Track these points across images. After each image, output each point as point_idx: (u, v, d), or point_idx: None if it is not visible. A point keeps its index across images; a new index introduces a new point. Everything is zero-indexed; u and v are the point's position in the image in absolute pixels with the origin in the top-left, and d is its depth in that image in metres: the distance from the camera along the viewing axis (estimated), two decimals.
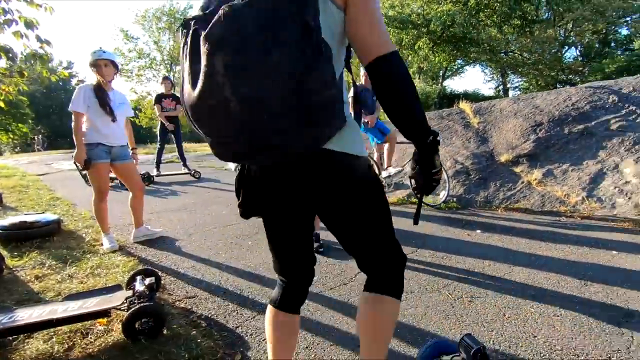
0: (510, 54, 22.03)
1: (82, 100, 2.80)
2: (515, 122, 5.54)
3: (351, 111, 4.70)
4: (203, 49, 0.71)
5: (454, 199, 4.42)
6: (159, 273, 2.24)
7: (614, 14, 20.04)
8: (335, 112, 0.80)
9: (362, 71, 4.83)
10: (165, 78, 6.81)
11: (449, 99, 16.77)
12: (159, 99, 6.56)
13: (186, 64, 0.76)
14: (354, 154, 0.90)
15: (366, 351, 1.04)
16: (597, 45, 22.86)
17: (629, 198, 3.71)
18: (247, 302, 2.09)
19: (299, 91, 0.71)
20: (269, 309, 1.13)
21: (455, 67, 25.06)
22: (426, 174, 0.91)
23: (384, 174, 4.67)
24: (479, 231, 3.36)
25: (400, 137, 6.50)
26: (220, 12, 0.69)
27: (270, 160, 0.86)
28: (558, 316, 1.88)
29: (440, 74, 23.78)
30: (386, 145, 4.63)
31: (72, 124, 2.81)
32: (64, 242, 3.11)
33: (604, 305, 1.97)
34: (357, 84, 4.81)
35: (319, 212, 0.99)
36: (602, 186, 4.01)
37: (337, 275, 2.42)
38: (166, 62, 28.81)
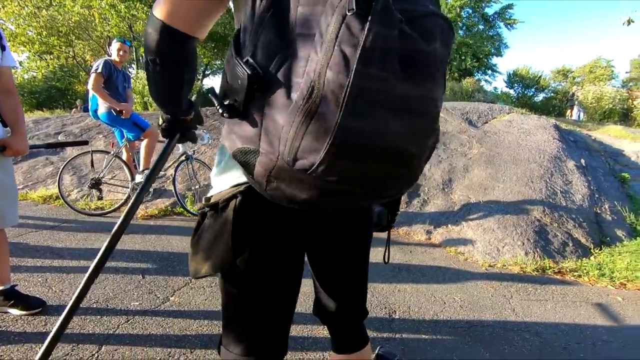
0: None
1: None
2: None
3: (90, 89, 3.45)
4: (424, 71, 0.55)
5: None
6: None
7: None
8: None
9: (116, 44, 3.63)
10: None
11: (208, 98, 16.72)
12: None
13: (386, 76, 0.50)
14: None
15: None
16: None
17: None
18: None
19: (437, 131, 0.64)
20: None
21: (216, 67, 25.27)
22: (396, 212, 0.97)
23: (138, 178, 3.70)
24: None
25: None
26: (440, 24, 0.58)
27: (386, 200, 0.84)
28: None
29: (201, 71, 23.30)
30: (143, 143, 3.69)
31: None
32: None
33: (373, 306, 2.16)
34: (109, 59, 3.55)
35: (334, 254, 0.87)
36: None
37: None
38: None
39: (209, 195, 0.75)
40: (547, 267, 2.95)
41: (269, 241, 0.71)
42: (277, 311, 0.77)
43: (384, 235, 1.00)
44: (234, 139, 0.61)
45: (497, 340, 1.90)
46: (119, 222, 0.94)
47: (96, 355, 1.52)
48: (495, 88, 19.65)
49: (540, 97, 17.86)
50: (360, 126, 0.50)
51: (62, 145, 2.01)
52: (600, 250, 3.33)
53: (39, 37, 14.86)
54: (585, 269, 2.95)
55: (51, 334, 0.91)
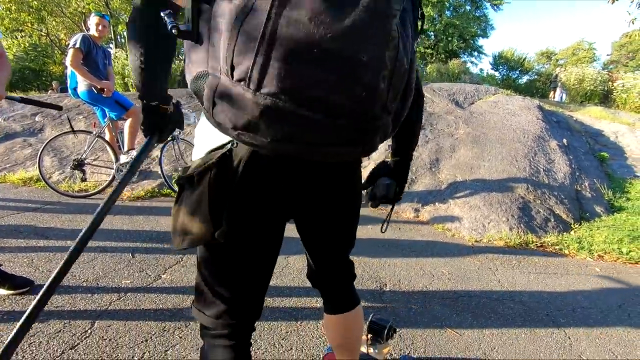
0: None
1: None
2: None
3: (69, 65, 3.30)
4: None
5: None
6: None
7: None
8: None
9: (95, 18, 3.45)
10: None
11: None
12: None
13: None
14: None
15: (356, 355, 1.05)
16: None
17: None
18: None
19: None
20: None
21: None
22: (403, 185, 1.01)
23: (123, 159, 3.61)
24: None
25: None
26: None
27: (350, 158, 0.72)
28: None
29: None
30: (127, 122, 3.57)
31: None
32: None
33: (364, 279, 2.20)
34: (87, 34, 3.37)
35: (320, 224, 0.87)
36: None
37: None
38: None
39: (192, 158, 0.75)
40: (530, 242, 3.05)
41: (247, 212, 0.70)
42: (253, 276, 0.77)
43: (377, 211, 1.02)
44: (190, 67, 0.59)
45: (484, 309, 1.98)
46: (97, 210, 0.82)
47: (89, 331, 1.51)
48: (481, 70, 19.79)
49: (525, 79, 18.09)
50: (294, 17, 0.47)
51: (38, 104, 1.93)
52: (580, 225, 3.46)
53: (7, 12, 14.01)
54: (565, 242, 3.07)
55: (26, 314, 0.72)
